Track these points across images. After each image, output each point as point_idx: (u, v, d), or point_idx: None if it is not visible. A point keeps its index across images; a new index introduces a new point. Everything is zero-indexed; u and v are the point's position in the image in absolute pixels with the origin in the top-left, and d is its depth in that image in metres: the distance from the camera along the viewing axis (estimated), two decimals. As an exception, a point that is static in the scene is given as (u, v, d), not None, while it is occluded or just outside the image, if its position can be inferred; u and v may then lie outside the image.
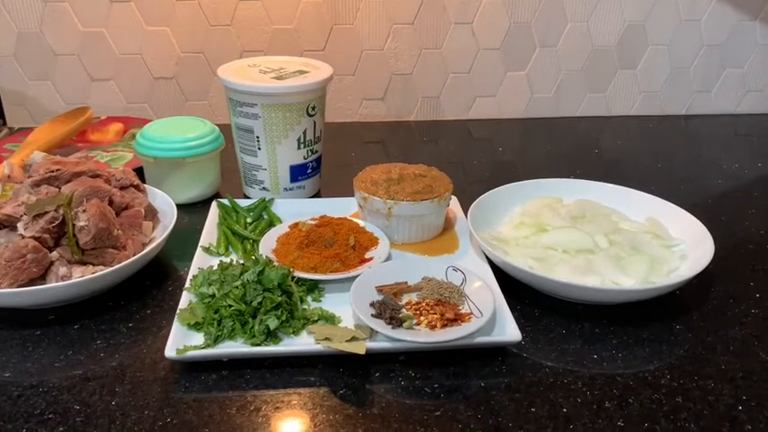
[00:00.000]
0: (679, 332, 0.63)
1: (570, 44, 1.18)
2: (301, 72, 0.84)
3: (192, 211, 0.84)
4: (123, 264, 0.64)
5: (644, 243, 0.72)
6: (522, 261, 0.69)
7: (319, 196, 0.90)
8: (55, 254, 0.64)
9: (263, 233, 0.75)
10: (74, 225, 0.64)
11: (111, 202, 0.69)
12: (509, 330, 0.60)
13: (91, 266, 0.64)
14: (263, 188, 0.86)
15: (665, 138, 1.16)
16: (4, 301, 0.62)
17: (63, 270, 0.63)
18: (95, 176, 0.71)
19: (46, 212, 0.64)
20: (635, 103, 1.25)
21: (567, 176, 0.86)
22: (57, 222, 0.64)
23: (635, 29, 1.18)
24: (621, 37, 1.19)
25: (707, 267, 0.66)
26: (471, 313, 0.61)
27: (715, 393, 0.56)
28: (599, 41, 1.19)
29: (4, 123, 1.12)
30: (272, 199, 0.84)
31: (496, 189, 0.80)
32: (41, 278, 0.63)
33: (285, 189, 0.86)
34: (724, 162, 1.05)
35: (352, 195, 0.81)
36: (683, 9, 1.18)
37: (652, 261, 0.69)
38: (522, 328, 0.60)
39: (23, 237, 0.63)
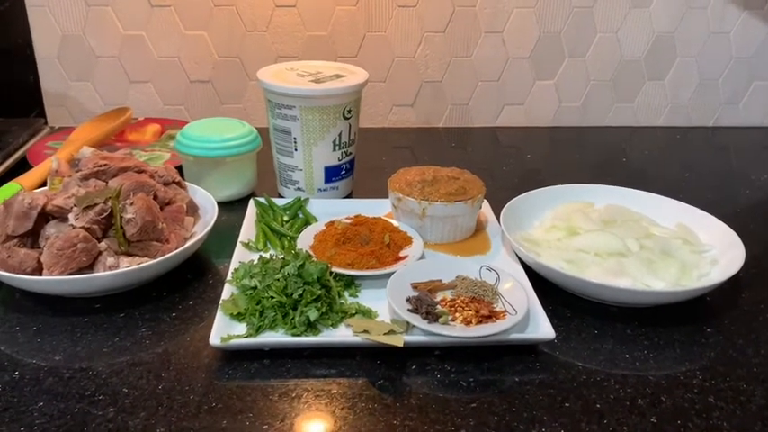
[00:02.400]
0: (710, 335, 0.64)
1: (599, 55, 1.20)
2: (338, 76, 0.86)
3: (230, 209, 0.86)
4: (167, 256, 0.66)
5: (674, 248, 0.73)
6: (554, 262, 0.70)
7: (351, 197, 0.92)
8: (103, 244, 0.66)
9: (299, 231, 0.77)
10: (121, 217, 0.66)
11: (155, 197, 0.71)
12: (542, 328, 0.61)
13: (137, 257, 0.66)
14: (298, 188, 0.88)
15: (693, 149, 1.17)
16: (54, 288, 0.64)
17: (111, 260, 0.65)
18: (140, 172, 0.74)
19: (95, 205, 0.66)
20: (662, 114, 1.26)
21: (596, 184, 0.87)
22: (105, 214, 0.66)
23: (664, 40, 1.20)
24: (650, 48, 1.20)
25: (737, 273, 0.67)
26: (505, 311, 0.62)
27: (747, 394, 0.56)
28: (628, 52, 1.20)
29: (46, 122, 1.16)
30: (307, 198, 0.86)
31: (528, 193, 0.81)
32: (89, 267, 0.66)
33: (319, 189, 0.88)
34: (752, 173, 1.06)
35: (383, 197, 0.83)
36: (712, 22, 1.19)
37: (683, 265, 0.70)
38: (554, 327, 0.61)
39: (74, 227, 0.65)
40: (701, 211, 0.79)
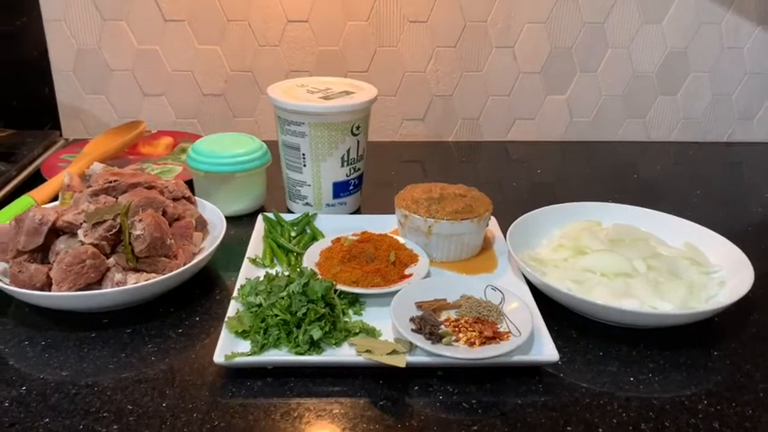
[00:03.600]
0: (717, 358, 0.64)
1: (611, 69, 1.19)
2: (347, 93, 0.86)
3: (238, 223, 0.87)
4: (175, 272, 0.67)
5: (682, 269, 0.72)
6: (561, 283, 0.70)
7: (359, 212, 0.93)
8: (111, 260, 0.67)
9: (306, 246, 0.77)
10: (130, 234, 0.67)
11: (164, 213, 0.72)
12: (546, 350, 0.61)
13: (144, 274, 0.67)
14: (307, 203, 0.89)
15: (705, 164, 1.16)
16: (63, 303, 0.65)
17: (119, 276, 0.66)
18: (150, 188, 0.75)
19: (104, 221, 0.67)
20: (675, 129, 1.26)
21: (605, 200, 0.86)
22: (114, 230, 0.67)
23: (677, 55, 1.19)
24: (663, 63, 1.19)
25: (746, 295, 0.66)
26: (509, 332, 0.62)
27: (753, 421, 0.56)
28: (640, 67, 1.20)
29: (61, 134, 1.18)
30: (315, 214, 0.86)
31: (536, 211, 0.81)
32: (98, 283, 0.67)
33: (327, 205, 0.89)
34: (765, 190, 1.05)
35: (392, 212, 0.83)
36: (726, 37, 1.18)
37: (690, 287, 0.69)
38: (558, 348, 0.61)
39: (83, 243, 0.66)
40: (709, 231, 0.78)
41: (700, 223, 0.80)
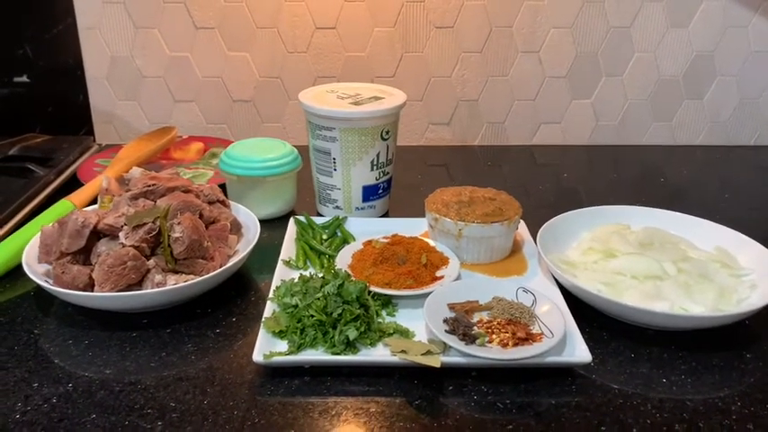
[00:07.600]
0: (749, 360, 0.64)
1: (637, 74, 1.20)
2: (377, 98, 0.88)
3: (270, 226, 0.88)
4: (212, 274, 0.68)
5: (713, 271, 0.73)
6: (591, 285, 0.70)
7: (388, 216, 0.94)
8: (151, 262, 0.69)
9: (337, 249, 0.79)
10: (169, 236, 0.69)
11: (201, 216, 0.74)
12: (579, 352, 0.61)
13: (183, 275, 0.69)
14: (337, 207, 0.90)
15: (733, 168, 1.16)
16: (105, 303, 0.67)
17: (158, 277, 0.68)
18: (187, 191, 0.77)
19: (144, 224, 0.69)
20: (701, 133, 1.25)
21: (632, 204, 0.87)
22: (154, 233, 0.69)
23: (703, 59, 1.19)
24: (689, 67, 1.19)
25: (778, 298, 0.66)
26: (542, 333, 0.63)
27: (787, 422, 0.56)
28: (666, 71, 1.20)
29: (94, 140, 1.20)
30: (345, 217, 0.88)
31: (565, 214, 0.82)
32: (138, 284, 0.68)
33: (357, 208, 0.90)
34: (794, 194, 1.05)
35: (420, 215, 0.84)
36: (753, 40, 1.18)
37: (721, 289, 0.69)
38: (590, 350, 0.62)
39: (124, 245, 0.68)
40: (740, 234, 0.78)
41: (729, 227, 0.80)
